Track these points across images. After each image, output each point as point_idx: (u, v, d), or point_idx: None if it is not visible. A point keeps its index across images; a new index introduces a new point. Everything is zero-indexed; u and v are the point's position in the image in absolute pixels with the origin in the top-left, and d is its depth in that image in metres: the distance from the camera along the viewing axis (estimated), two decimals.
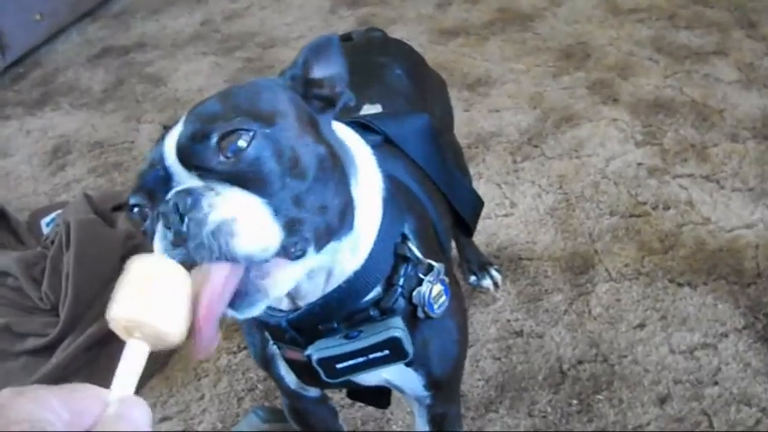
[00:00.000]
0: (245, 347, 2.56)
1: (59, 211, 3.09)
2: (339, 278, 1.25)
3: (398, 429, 2.26)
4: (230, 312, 1.04)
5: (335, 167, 1.17)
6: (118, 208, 3.08)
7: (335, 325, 1.30)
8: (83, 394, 0.70)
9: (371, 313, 1.30)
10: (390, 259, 1.30)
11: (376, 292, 1.30)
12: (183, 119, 1.14)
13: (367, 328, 1.30)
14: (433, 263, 1.34)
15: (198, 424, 2.35)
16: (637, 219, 2.88)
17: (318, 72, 1.27)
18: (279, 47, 4.60)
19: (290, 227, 1.05)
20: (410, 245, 1.33)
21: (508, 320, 2.54)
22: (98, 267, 2.61)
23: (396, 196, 1.35)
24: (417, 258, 1.33)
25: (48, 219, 3.14)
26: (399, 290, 1.31)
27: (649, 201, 2.95)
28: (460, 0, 4.85)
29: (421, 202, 1.54)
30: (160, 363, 2.53)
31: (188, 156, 1.07)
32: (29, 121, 4.17)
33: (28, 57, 4.84)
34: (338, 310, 1.28)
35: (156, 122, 3.92)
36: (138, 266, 0.87)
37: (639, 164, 3.16)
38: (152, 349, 0.82)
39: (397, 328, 1.29)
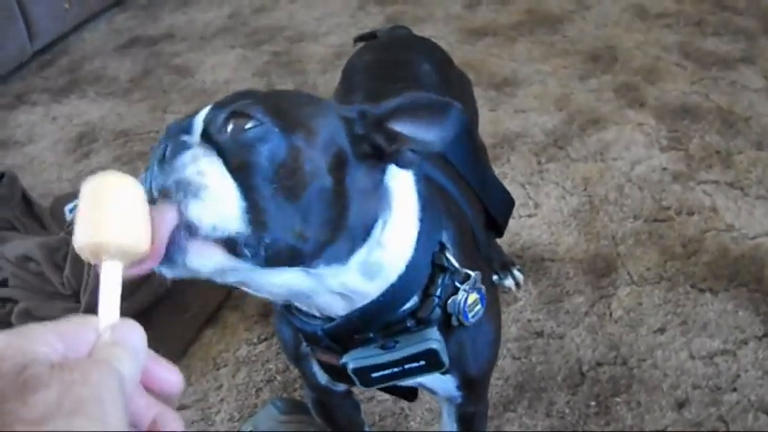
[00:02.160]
0: (264, 339, 2.56)
1: None
2: (363, 297, 1.23)
3: (416, 425, 2.26)
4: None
5: (337, 208, 1.11)
6: None
7: (371, 335, 1.29)
8: (77, 324, 0.71)
9: (408, 324, 1.29)
10: (428, 269, 1.29)
11: (413, 302, 1.29)
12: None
13: (403, 339, 1.29)
14: (470, 272, 1.33)
15: (216, 414, 2.36)
16: (660, 223, 2.87)
17: (405, 128, 1.17)
18: (306, 41, 4.61)
19: (253, 227, 1.02)
20: (447, 254, 1.31)
21: (529, 321, 2.53)
22: None
23: (434, 204, 1.33)
24: (455, 268, 1.31)
25: (71, 205, 3.14)
26: (436, 300, 1.29)
27: (673, 206, 2.94)
28: (489, 0, 4.85)
29: (459, 205, 1.54)
30: (179, 352, 2.54)
31: (206, 118, 1.10)
32: (55, 107, 4.19)
33: (56, 44, 4.87)
34: (375, 321, 1.27)
35: (182, 113, 3.91)
36: (88, 187, 0.86)
37: (664, 169, 3.15)
38: (125, 264, 0.81)
39: (433, 339, 1.28)
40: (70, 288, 2.63)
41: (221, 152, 1.04)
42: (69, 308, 2.61)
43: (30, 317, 2.58)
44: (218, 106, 1.10)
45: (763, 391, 2.25)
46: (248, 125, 1.05)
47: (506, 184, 2.86)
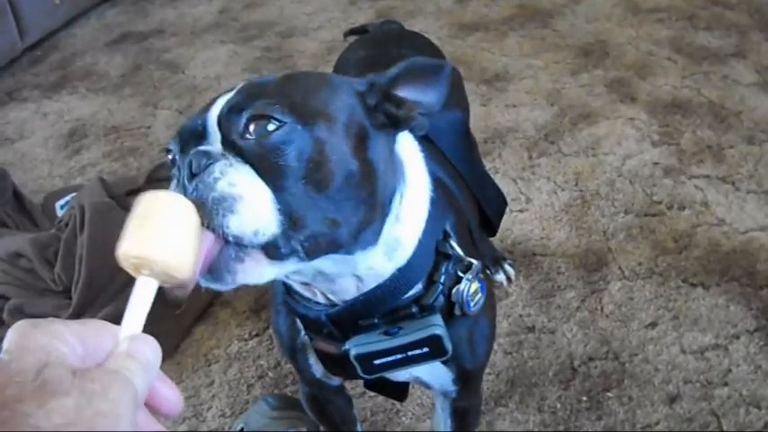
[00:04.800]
0: (256, 335, 2.56)
1: (74, 194, 3.09)
2: (376, 279, 1.24)
3: (407, 421, 2.26)
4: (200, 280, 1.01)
5: (366, 186, 1.13)
6: (133, 192, 3.08)
7: (375, 320, 1.29)
8: (96, 330, 0.71)
9: (412, 310, 1.29)
10: (432, 256, 1.29)
11: (417, 288, 1.29)
12: (241, 84, 1.15)
13: (407, 325, 1.29)
14: (472, 261, 1.34)
15: (207, 410, 2.35)
16: (651, 218, 2.87)
17: (408, 92, 1.22)
18: (298, 36, 4.60)
19: (289, 227, 1.03)
20: (452, 242, 1.32)
21: (520, 315, 2.53)
22: (111, 251, 2.58)
23: (439, 194, 1.34)
24: (458, 256, 1.32)
25: (62, 201, 3.14)
26: (440, 287, 1.29)
27: (664, 200, 2.95)
28: None
29: (457, 199, 1.54)
30: (170, 348, 2.53)
31: (223, 122, 1.08)
32: (45, 103, 4.18)
33: (46, 40, 4.85)
34: (379, 307, 1.27)
35: (172, 109, 3.93)
36: (147, 201, 0.87)
37: (656, 163, 3.16)
38: (162, 285, 0.82)
39: (437, 325, 1.28)
40: (61, 284, 2.63)
41: (247, 158, 1.04)
42: (60, 304, 2.61)
43: (21, 313, 2.57)
44: (233, 109, 1.08)
45: (754, 385, 2.25)
46: (271, 127, 1.04)
47: (498, 178, 2.89)
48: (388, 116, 1.19)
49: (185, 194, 0.99)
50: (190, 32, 4.83)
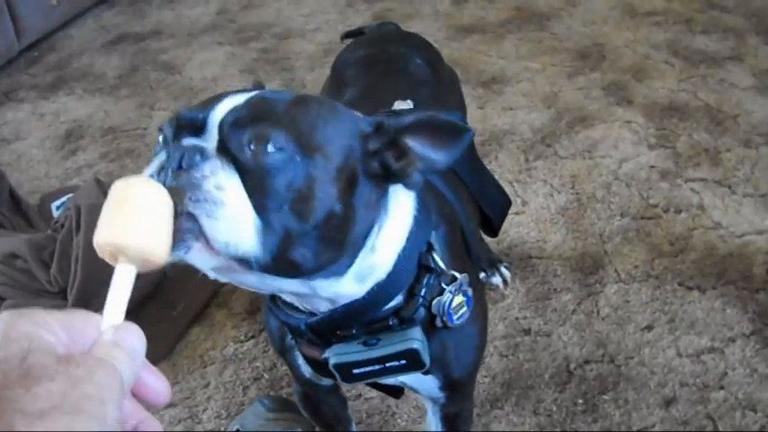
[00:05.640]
0: (252, 336, 2.56)
1: (70, 195, 3.09)
2: (348, 298, 1.23)
3: (403, 423, 2.26)
4: None
5: (342, 228, 1.12)
6: None
7: (354, 331, 1.29)
8: (81, 319, 0.71)
9: (391, 322, 1.29)
10: (414, 269, 1.28)
11: (398, 300, 1.29)
12: (252, 94, 1.13)
13: (385, 337, 1.29)
14: (457, 274, 1.32)
15: (203, 411, 2.35)
16: (648, 221, 2.87)
17: (417, 144, 1.17)
18: (294, 38, 4.60)
19: (262, 246, 1.03)
20: (434, 255, 1.31)
21: (516, 318, 2.53)
22: None
23: (426, 202, 1.32)
24: (441, 269, 1.31)
25: (58, 202, 3.14)
26: (421, 300, 1.29)
27: (661, 204, 2.95)
28: None
29: (451, 205, 1.53)
30: (166, 349, 2.53)
31: (225, 130, 1.07)
32: (42, 104, 4.17)
33: (43, 41, 4.84)
34: (358, 318, 1.27)
35: (169, 110, 3.92)
36: (119, 188, 0.87)
37: (652, 166, 3.16)
38: (140, 270, 0.82)
39: (415, 339, 1.28)
40: (57, 285, 2.63)
41: (240, 170, 1.04)
42: (56, 305, 2.60)
43: None
44: (239, 123, 1.06)
45: (750, 388, 2.25)
46: (270, 148, 1.03)
47: None
48: (384, 167, 1.17)
49: (165, 181, 0.99)
50: (187, 34, 4.82)
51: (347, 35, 2.54)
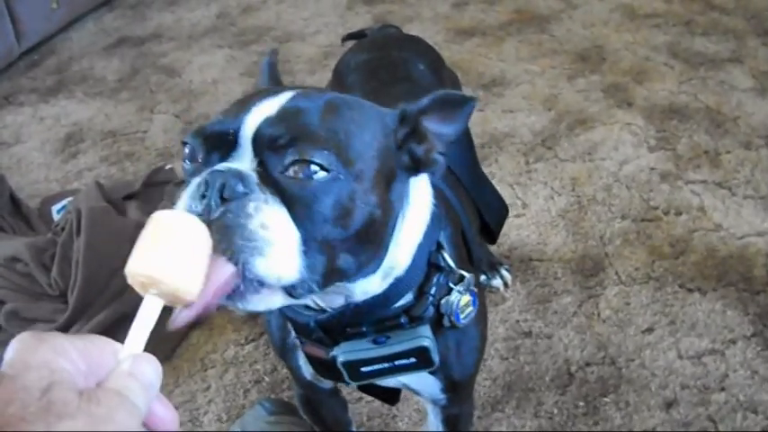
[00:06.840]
0: (252, 340, 2.56)
1: (70, 199, 3.09)
2: (367, 294, 1.23)
3: (404, 425, 2.26)
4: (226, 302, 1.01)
5: (383, 227, 1.14)
6: (130, 197, 3.08)
7: (364, 328, 1.29)
8: (100, 347, 0.71)
9: (401, 320, 1.29)
10: (424, 268, 1.29)
11: (407, 298, 1.29)
12: (282, 99, 1.10)
13: (395, 335, 1.29)
14: (465, 273, 1.33)
15: (203, 414, 2.35)
16: (648, 223, 2.87)
17: (432, 124, 1.21)
18: (294, 41, 4.59)
19: (310, 267, 1.03)
20: (444, 254, 1.32)
21: (517, 321, 2.53)
22: (108, 255, 2.61)
23: (438, 201, 1.34)
24: (450, 268, 1.32)
25: (59, 206, 3.14)
26: (431, 298, 1.29)
27: (661, 206, 2.95)
28: (477, 0, 4.85)
29: (454, 208, 1.54)
30: (167, 352, 2.53)
31: (261, 146, 1.05)
32: (42, 108, 4.16)
33: (43, 44, 4.83)
34: (369, 316, 1.27)
35: (169, 113, 3.92)
36: (159, 220, 0.87)
37: (652, 168, 3.16)
38: (167, 305, 0.82)
39: (425, 337, 1.28)
40: (57, 289, 2.63)
41: (284, 196, 1.03)
42: (57, 308, 2.61)
43: (17, 317, 2.57)
44: (275, 144, 1.04)
45: (751, 390, 2.25)
46: (315, 170, 1.02)
47: (494, 184, 2.87)
48: (412, 156, 1.19)
49: (208, 213, 0.98)
50: (187, 37, 4.82)
51: (348, 37, 2.54)
